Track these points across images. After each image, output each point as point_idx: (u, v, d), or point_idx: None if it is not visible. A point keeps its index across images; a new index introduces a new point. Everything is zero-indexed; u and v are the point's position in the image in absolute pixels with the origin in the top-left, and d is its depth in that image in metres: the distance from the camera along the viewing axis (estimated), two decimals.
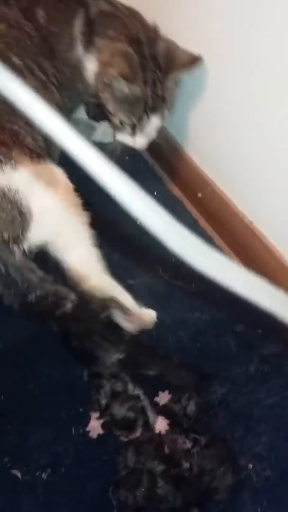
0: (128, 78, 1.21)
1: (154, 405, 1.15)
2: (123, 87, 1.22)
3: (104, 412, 1.12)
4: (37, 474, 1.09)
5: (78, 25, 1.26)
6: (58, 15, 1.26)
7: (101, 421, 1.13)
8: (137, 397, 1.12)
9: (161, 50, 1.26)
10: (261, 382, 1.20)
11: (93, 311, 1.19)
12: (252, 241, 1.36)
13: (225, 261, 0.55)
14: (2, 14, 1.22)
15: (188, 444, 1.06)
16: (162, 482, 1.02)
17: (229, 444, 1.10)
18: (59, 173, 1.21)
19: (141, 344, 1.21)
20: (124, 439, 1.10)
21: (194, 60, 1.26)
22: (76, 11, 1.26)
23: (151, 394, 1.16)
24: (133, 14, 1.29)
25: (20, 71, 1.18)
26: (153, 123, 1.31)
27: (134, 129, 1.31)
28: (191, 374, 1.18)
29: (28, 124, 1.14)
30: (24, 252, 1.18)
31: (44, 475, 1.09)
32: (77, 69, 1.28)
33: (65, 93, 1.30)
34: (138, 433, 1.09)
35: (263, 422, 1.14)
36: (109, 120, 1.34)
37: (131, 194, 0.52)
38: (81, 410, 1.16)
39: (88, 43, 1.26)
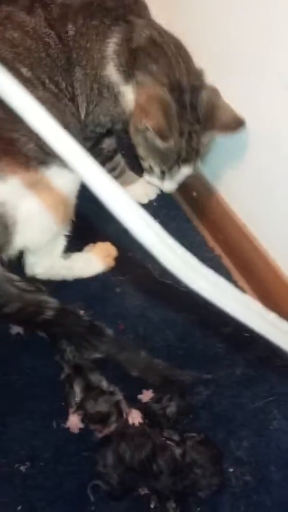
0: (164, 135, 1.14)
1: (136, 402, 1.15)
2: (157, 141, 1.16)
3: (78, 406, 1.12)
4: (16, 466, 1.08)
5: (112, 45, 1.18)
6: (89, 31, 1.17)
7: (80, 416, 1.13)
8: (111, 392, 1.12)
9: (203, 102, 1.17)
10: (245, 386, 1.20)
11: (75, 315, 1.18)
12: (244, 244, 1.35)
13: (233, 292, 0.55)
14: (19, 21, 1.15)
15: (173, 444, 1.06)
16: (162, 461, 1.03)
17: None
18: (58, 181, 1.17)
19: (125, 345, 1.20)
20: (98, 434, 1.09)
21: (237, 124, 1.17)
22: (110, 29, 1.18)
23: (135, 391, 1.16)
24: (180, 51, 1.20)
25: (29, 82, 1.13)
26: (184, 172, 1.25)
27: (163, 175, 1.26)
28: (175, 376, 1.18)
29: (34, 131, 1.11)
30: (1, 264, 1.18)
31: (22, 468, 1.08)
32: (110, 90, 1.21)
33: (92, 110, 1.24)
34: (112, 427, 1.08)
35: (246, 426, 1.14)
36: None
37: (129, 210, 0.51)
38: (63, 404, 1.15)
39: (129, 72, 1.18)
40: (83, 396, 1.12)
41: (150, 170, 1.26)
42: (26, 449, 1.10)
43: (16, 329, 1.24)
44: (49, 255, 1.30)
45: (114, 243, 1.39)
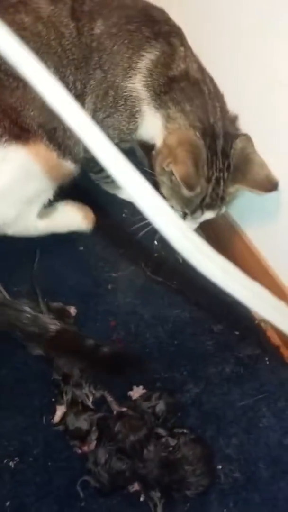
0: (190, 185, 1.06)
1: (127, 399, 1.15)
2: (182, 189, 1.08)
3: (60, 420, 1.12)
4: (5, 461, 1.08)
5: (147, 60, 1.11)
6: (120, 34, 1.11)
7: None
8: (93, 410, 1.11)
9: (236, 151, 1.11)
10: (235, 384, 1.20)
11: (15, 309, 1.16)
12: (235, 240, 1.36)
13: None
14: (34, 7, 1.09)
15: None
16: (153, 448, 1.04)
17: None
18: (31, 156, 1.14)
19: (66, 340, 1.17)
20: (78, 450, 1.09)
21: (269, 186, 1.09)
22: (149, 42, 1.11)
23: (125, 387, 1.17)
24: (217, 94, 1.14)
25: None
26: (206, 216, 1.18)
27: (185, 215, 1.18)
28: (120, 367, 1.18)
29: (11, 112, 1.09)
30: None
31: (11, 463, 1.08)
32: (128, 103, 1.15)
33: (101, 119, 1.19)
34: (92, 446, 1.08)
35: (235, 424, 1.14)
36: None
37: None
38: (53, 400, 1.14)
39: (161, 98, 1.13)
40: (65, 410, 1.12)
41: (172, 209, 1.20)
42: (16, 445, 1.10)
43: None
44: (20, 222, 1.26)
45: (112, 238, 1.40)
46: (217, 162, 1.10)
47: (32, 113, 1.10)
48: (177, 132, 1.11)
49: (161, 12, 1.16)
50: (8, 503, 1.03)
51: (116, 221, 1.45)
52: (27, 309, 1.14)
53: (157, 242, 1.39)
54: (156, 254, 1.39)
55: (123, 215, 1.46)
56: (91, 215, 1.38)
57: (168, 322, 1.29)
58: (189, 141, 1.09)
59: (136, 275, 1.37)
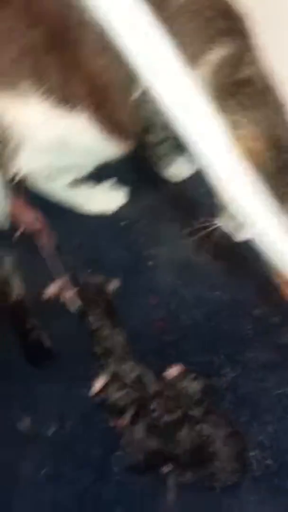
0: None
1: (164, 377, 1.15)
2: None
3: (99, 392, 1.13)
4: (43, 429, 1.11)
5: (215, 55, 1.04)
6: (198, 14, 1.04)
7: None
8: (132, 386, 1.11)
9: None
10: (272, 370, 1.19)
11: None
12: None
13: None
14: None
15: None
16: (186, 430, 1.04)
17: None
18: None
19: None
20: (111, 424, 1.10)
21: None
22: (221, 37, 1.05)
23: (164, 364, 1.16)
24: (281, 104, 1.07)
25: None
26: None
27: None
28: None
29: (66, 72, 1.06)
30: None
31: (49, 431, 1.11)
32: None
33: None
34: (126, 422, 1.08)
35: (270, 411, 1.14)
36: None
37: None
38: (92, 372, 1.15)
39: (224, 98, 1.04)
40: (105, 383, 1.12)
41: None
42: (54, 414, 1.13)
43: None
44: (48, 183, 1.28)
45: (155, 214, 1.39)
46: (283, 177, 1.04)
47: (83, 78, 1.06)
48: (243, 140, 1.04)
49: (241, 13, 1.10)
50: (44, 470, 1.07)
51: (159, 198, 1.44)
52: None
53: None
54: (199, 234, 1.37)
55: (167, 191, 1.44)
56: (115, 201, 1.41)
57: (209, 304, 1.28)
58: (256, 152, 1.02)
59: (178, 254, 1.36)
